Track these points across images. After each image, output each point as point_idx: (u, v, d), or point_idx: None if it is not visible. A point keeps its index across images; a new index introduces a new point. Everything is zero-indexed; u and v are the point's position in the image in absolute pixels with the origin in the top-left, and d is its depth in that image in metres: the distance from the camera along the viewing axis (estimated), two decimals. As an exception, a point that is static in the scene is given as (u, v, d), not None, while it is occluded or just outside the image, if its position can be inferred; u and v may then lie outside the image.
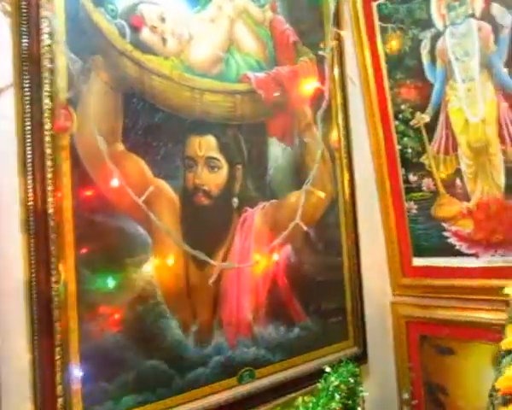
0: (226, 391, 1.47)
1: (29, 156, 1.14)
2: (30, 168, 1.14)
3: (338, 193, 1.89)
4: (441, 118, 1.84)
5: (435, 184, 1.89)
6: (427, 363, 1.92)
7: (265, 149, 1.66)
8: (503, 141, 1.68)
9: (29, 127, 1.14)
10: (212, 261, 1.45)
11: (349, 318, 1.88)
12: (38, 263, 1.13)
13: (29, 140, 1.14)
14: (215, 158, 1.51)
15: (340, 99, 1.92)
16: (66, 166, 1.19)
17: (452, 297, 1.81)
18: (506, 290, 1.22)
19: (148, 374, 1.30)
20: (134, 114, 1.33)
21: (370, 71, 2.01)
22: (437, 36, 1.83)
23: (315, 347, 1.73)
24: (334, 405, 1.47)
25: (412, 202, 1.96)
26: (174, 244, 1.38)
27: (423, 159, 1.91)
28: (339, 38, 1.95)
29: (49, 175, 1.15)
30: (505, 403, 0.97)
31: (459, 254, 1.82)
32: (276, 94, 1.68)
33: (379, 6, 1.95)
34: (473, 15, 1.72)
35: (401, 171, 1.98)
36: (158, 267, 1.35)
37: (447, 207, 1.86)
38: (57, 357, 1.14)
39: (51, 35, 1.18)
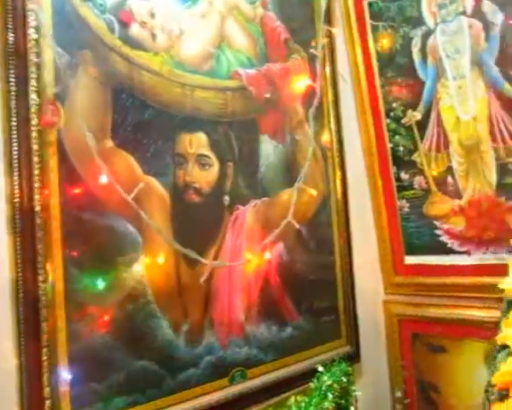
0: (217, 392, 1.44)
1: (15, 152, 1.11)
2: (16, 164, 1.11)
3: (330, 191, 1.88)
4: (433, 116, 1.84)
5: (427, 182, 1.89)
6: (419, 361, 1.92)
7: (257, 146, 1.64)
8: (494, 138, 1.68)
9: (15, 123, 1.11)
10: (203, 260, 1.43)
11: (341, 317, 1.87)
12: (25, 262, 1.10)
13: (15, 136, 1.11)
14: (206, 155, 1.49)
15: (332, 97, 1.91)
16: (53, 163, 1.16)
17: (444, 295, 1.81)
18: (500, 285, 1.21)
19: (138, 375, 1.28)
20: (123, 110, 1.31)
21: (362, 69, 2.00)
22: (428, 34, 1.82)
23: (307, 346, 1.71)
24: (326, 404, 1.47)
25: (404, 201, 1.96)
26: (164, 243, 1.36)
27: (415, 157, 1.91)
28: (330, 36, 1.94)
29: (36, 172, 1.12)
30: (501, 398, 0.96)
31: (451, 251, 1.82)
32: (268, 91, 1.66)
33: (370, 4, 1.94)
34: (464, 13, 1.72)
35: (393, 169, 1.98)
36: (148, 266, 1.33)
37: (439, 205, 1.86)
38: (44, 358, 1.11)
39: (38, 29, 1.15)
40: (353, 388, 1.60)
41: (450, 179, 1.82)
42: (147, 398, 1.29)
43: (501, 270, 1.56)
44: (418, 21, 1.84)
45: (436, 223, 1.86)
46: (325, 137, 1.88)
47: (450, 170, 1.82)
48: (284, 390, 1.60)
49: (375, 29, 1.96)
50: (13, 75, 1.11)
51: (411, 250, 1.95)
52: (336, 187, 1.90)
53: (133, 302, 1.29)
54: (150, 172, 1.35)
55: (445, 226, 1.83)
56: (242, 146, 1.59)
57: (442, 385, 1.84)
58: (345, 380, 1.55)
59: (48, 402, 1.11)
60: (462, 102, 1.75)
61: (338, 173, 1.91)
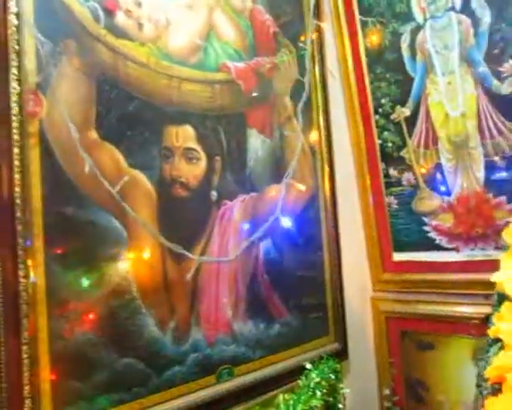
0: (204, 390, 1.41)
1: (-5, 143, 1.07)
2: (-5, 155, 1.07)
3: (318, 187, 1.86)
4: (421, 112, 1.84)
5: (415, 179, 1.88)
6: (407, 358, 1.91)
7: (245, 140, 1.62)
8: (482, 135, 1.68)
9: (-5, 112, 1.07)
10: (189, 255, 1.40)
11: (329, 313, 1.85)
12: (5, 256, 1.06)
13: (-5, 125, 1.07)
14: (193, 149, 1.46)
15: (321, 92, 1.90)
16: (34, 154, 1.12)
17: (433, 292, 1.81)
18: (492, 279, 1.21)
19: (123, 373, 1.24)
20: (108, 102, 1.27)
21: (351, 64, 1.99)
22: (417, 29, 1.82)
23: (295, 343, 1.69)
24: (315, 402, 1.45)
25: (392, 197, 1.95)
26: (150, 237, 1.33)
27: (403, 153, 1.90)
28: (319, 31, 1.93)
29: (17, 163, 1.08)
30: (494, 392, 0.96)
31: (439, 248, 1.82)
32: (256, 85, 1.64)
33: (359, -1, 1.94)
34: (453, 9, 1.71)
35: (381, 165, 1.97)
36: (133, 262, 1.29)
37: (427, 201, 1.85)
38: (25, 356, 1.07)
39: (18, 15, 1.11)
40: (341, 385, 1.59)
41: (438, 176, 1.81)
42: (132, 396, 1.25)
43: (489, 266, 1.55)
44: (407, 17, 1.83)
45: (424, 219, 1.86)
46: (314, 133, 1.86)
47: (438, 166, 1.81)
48: (272, 388, 1.58)
49: (364, 24, 1.95)
50: (-8, 63, 1.07)
51: (400, 247, 1.95)
52: (324, 183, 1.88)
53: (118, 299, 1.25)
54: (136, 166, 1.31)
55: (434, 223, 1.83)
56: (230, 140, 1.56)
57: (430, 382, 1.84)
58: (333, 377, 1.54)
59: (28, 401, 1.07)
60: (451, 98, 1.75)
61: (326, 169, 1.89)
